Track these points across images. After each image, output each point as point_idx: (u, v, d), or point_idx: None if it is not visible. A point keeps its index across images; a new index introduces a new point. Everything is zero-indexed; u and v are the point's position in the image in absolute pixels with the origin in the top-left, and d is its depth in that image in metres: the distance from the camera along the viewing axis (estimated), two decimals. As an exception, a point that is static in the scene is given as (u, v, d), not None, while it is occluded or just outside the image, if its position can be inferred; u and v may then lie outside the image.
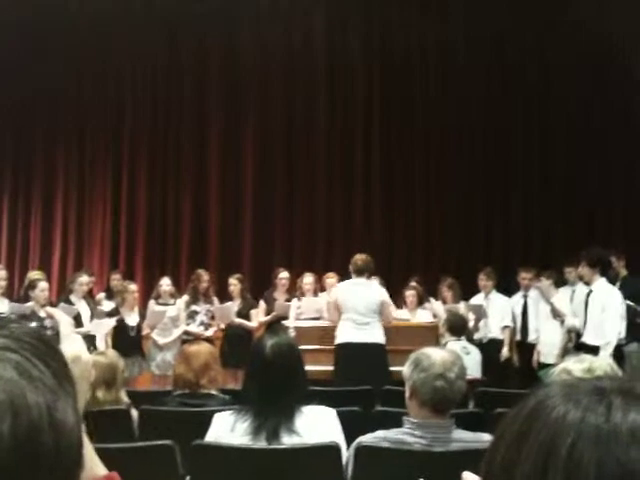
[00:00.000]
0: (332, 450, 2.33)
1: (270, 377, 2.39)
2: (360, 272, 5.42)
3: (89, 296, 6.66)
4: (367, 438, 2.37)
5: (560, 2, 8.81)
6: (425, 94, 9.46)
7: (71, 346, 0.91)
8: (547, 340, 6.35)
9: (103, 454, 0.91)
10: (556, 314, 6.01)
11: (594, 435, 0.55)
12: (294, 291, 6.95)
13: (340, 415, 2.51)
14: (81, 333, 5.09)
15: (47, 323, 5.59)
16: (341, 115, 9.48)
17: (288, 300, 6.82)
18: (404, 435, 2.31)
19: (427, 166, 9.39)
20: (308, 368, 2.77)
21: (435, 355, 2.35)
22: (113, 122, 9.41)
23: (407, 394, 2.36)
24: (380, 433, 2.37)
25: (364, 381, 4.28)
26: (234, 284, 6.91)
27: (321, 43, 9.46)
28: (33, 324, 5.59)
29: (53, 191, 9.33)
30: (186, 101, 9.42)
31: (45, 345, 0.58)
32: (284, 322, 6.45)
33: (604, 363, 2.39)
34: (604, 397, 0.58)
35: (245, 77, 9.38)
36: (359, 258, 5.49)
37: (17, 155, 9.32)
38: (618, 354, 4.95)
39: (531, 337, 6.80)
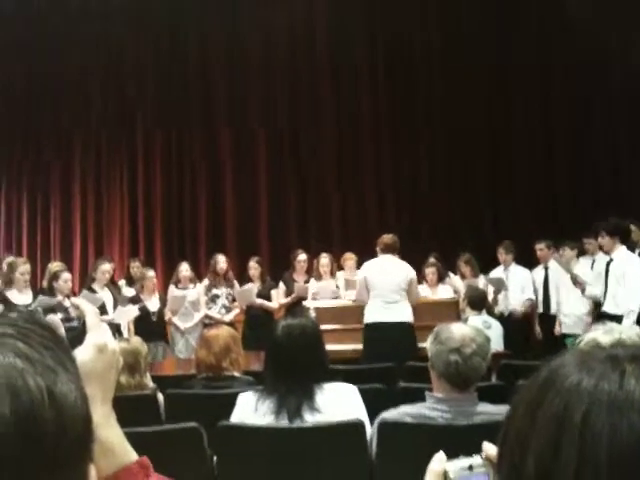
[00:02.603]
0: (356, 427, 2.35)
1: (282, 358, 2.45)
2: (388, 250, 5.41)
3: (111, 283, 6.73)
4: (390, 414, 2.39)
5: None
6: (429, 71, 9.39)
7: (98, 336, 0.92)
8: (569, 311, 6.32)
9: (131, 439, 0.93)
10: (576, 283, 5.98)
11: (607, 402, 0.56)
12: (312, 272, 6.98)
13: (363, 392, 2.54)
14: (105, 321, 5.15)
15: (73, 314, 5.66)
16: (347, 96, 9.43)
17: (307, 281, 6.86)
18: (427, 410, 2.33)
19: (434, 143, 9.32)
20: (329, 348, 2.79)
21: (456, 330, 2.35)
22: (128, 113, 9.45)
23: (429, 365, 2.39)
24: (403, 408, 2.38)
25: (394, 360, 4.23)
26: (254, 267, 6.95)
27: (323, 28, 9.41)
28: (59, 315, 5.67)
29: (70, 183, 9.42)
30: (194, 91, 9.43)
31: (43, 328, 0.60)
32: (304, 303, 6.49)
33: (633, 333, 2.36)
34: (617, 365, 0.59)
35: (250, 63, 9.36)
36: (386, 236, 5.50)
37: (35, 150, 9.38)
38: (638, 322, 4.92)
39: (553, 309, 6.78)
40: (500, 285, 6.65)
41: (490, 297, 6.46)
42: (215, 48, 9.44)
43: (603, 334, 2.26)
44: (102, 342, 0.91)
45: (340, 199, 9.36)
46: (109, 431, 0.89)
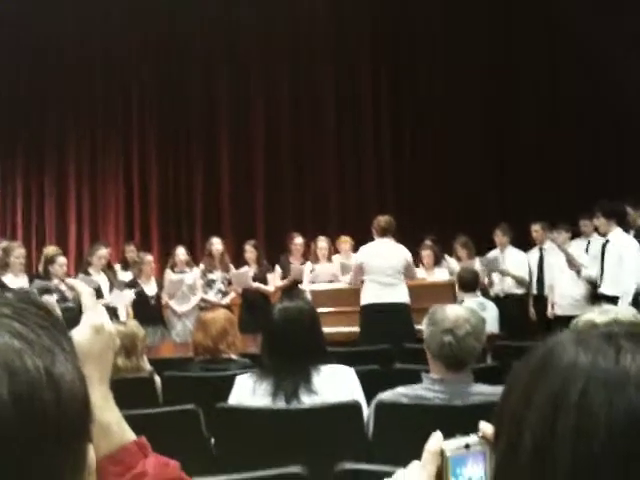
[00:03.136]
0: (353, 408, 2.37)
1: (279, 340, 2.47)
2: (384, 232, 5.40)
3: (108, 268, 6.72)
4: (387, 395, 2.40)
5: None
6: (431, 60, 9.36)
7: (94, 316, 0.92)
8: (563, 293, 6.34)
9: (129, 421, 0.93)
10: (572, 265, 6.00)
11: (604, 379, 0.57)
12: (309, 255, 6.98)
13: (359, 374, 2.55)
14: (101, 304, 5.15)
15: (68, 295, 5.67)
16: (349, 80, 9.39)
17: (303, 264, 6.86)
18: (423, 391, 2.35)
19: (436, 125, 9.29)
20: (326, 330, 2.80)
21: (450, 311, 2.36)
22: (123, 97, 9.39)
23: (425, 346, 2.40)
24: (400, 390, 2.40)
25: (390, 341, 4.25)
26: (250, 251, 6.95)
27: (325, 11, 9.33)
28: (55, 296, 5.67)
29: (65, 167, 9.38)
30: (194, 74, 9.38)
31: (38, 308, 0.59)
32: (300, 286, 6.50)
33: (629, 314, 2.37)
34: (613, 342, 0.59)
35: (250, 47, 9.29)
36: (382, 219, 5.46)
37: (29, 133, 9.33)
38: (635, 302, 4.94)
39: (546, 291, 6.80)
40: (493, 264, 6.65)
41: (485, 280, 6.47)
42: (215, 28, 9.35)
43: (599, 315, 2.27)
44: (99, 323, 0.91)
45: (338, 182, 9.34)
46: (107, 411, 0.89)
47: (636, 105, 8.47)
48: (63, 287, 5.77)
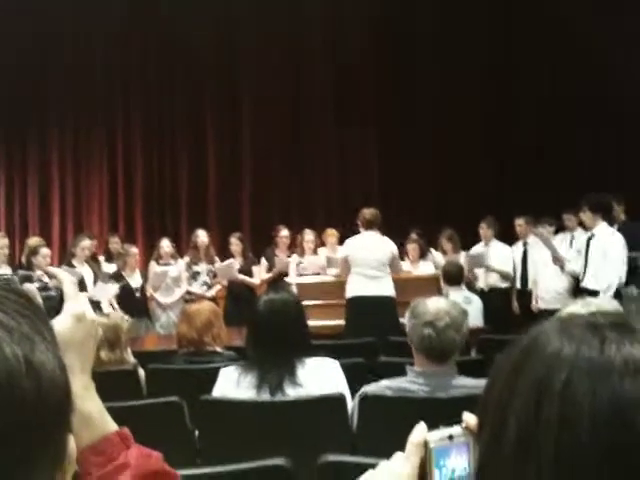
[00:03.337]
0: (337, 401, 2.37)
1: (264, 333, 2.46)
2: (369, 225, 5.40)
3: (92, 260, 6.68)
4: (371, 388, 2.41)
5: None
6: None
7: (75, 305, 0.91)
8: (547, 286, 6.38)
9: (112, 413, 0.92)
10: (556, 259, 6.03)
11: (588, 368, 0.57)
12: (294, 248, 6.98)
13: (344, 367, 2.55)
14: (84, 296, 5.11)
15: (50, 284, 5.62)
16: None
17: (289, 257, 6.86)
18: (407, 383, 2.36)
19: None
20: (312, 323, 2.80)
21: (431, 304, 2.37)
22: (108, 87, 9.31)
23: (408, 339, 2.41)
24: (384, 382, 2.41)
25: (375, 334, 4.25)
26: (236, 243, 6.93)
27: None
28: (36, 284, 5.63)
29: (48, 157, 9.28)
30: (177, 64, 9.29)
31: (19, 296, 0.59)
32: (285, 278, 6.50)
33: (611, 307, 2.39)
34: (598, 331, 0.59)
35: (241, 37, 9.23)
36: (367, 212, 5.45)
37: (12, 125, 9.20)
38: (617, 296, 4.98)
39: (531, 284, 6.84)
40: (478, 259, 6.67)
41: (469, 273, 6.50)
42: (200, 13, 9.27)
43: (582, 307, 2.28)
44: (80, 311, 0.90)
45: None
46: (88, 401, 0.88)
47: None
48: (46, 278, 5.73)
